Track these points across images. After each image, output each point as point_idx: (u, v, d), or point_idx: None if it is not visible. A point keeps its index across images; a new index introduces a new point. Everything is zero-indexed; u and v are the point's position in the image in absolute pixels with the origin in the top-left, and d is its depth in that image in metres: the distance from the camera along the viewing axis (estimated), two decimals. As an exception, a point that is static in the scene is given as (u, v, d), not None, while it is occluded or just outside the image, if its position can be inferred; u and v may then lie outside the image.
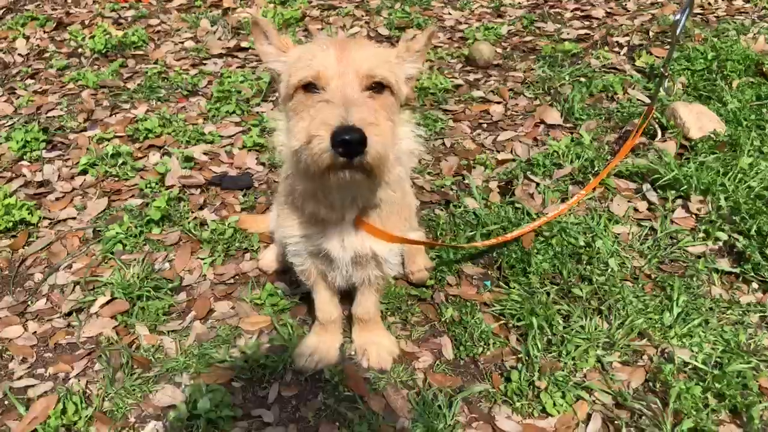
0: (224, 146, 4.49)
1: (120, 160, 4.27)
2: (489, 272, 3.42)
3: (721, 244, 3.44)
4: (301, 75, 2.00)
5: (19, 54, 5.92)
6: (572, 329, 3.00)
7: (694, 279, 3.25)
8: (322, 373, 2.93)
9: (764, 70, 4.94)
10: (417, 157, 2.37)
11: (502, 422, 2.69)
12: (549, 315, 3.04)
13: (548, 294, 3.19)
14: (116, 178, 4.19)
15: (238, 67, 5.53)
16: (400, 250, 2.67)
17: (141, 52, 5.85)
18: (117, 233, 3.65)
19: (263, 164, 4.32)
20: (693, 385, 2.69)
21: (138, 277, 3.39)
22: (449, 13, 6.46)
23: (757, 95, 4.63)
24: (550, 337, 2.99)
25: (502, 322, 3.12)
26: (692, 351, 2.90)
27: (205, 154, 4.40)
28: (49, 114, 4.94)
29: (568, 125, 4.55)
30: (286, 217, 2.60)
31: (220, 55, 5.75)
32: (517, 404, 2.73)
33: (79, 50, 5.93)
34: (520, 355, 2.95)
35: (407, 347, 3.06)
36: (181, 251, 3.60)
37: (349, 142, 1.80)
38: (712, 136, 4.11)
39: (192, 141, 4.49)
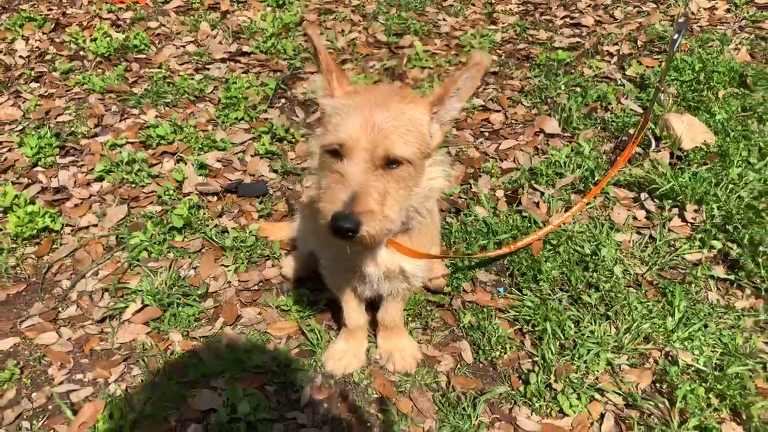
0: (236, 153, 4.62)
1: (135, 167, 4.38)
2: (502, 279, 3.63)
3: (716, 252, 3.69)
4: (329, 140, 2.14)
5: (19, 56, 5.95)
6: (583, 334, 3.22)
7: (693, 285, 3.49)
8: (351, 376, 3.11)
9: (747, 81, 5.21)
10: (446, 191, 2.55)
11: (523, 422, 2.90)
12: (561, 320, 3.26)
13: (560, 301, 3.40)
14: (133, 185, 4.30)
15: (242, 72, 5.65)
16: (426, 263, 2.86)
17: (143, 56, 5.93)
18: (141, 240, 3.77)
19: (276, 171, 4.46)
20: (697, 386, 2.93)
21: (166, 284, 3.53)
22: (444, 20, 6.63)
23: (743, 106, 4.89)
24: (563, 341, 3.21)
25: (516, 327, 3.33)
26: (694, 354, 3.14)
27: (218, 161, 4.53)
28: (59, 119, 5.01)
29: (566, 134, 4.77)
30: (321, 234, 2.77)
31: (223, 60, 5.86)
32: (536, 405, 2.95)
33: (81, 53, 5.99)
34: (536, 359, 3.16)
35: (429, 351, 3.25)
36: (205, 258, 3.74)
37: (341, 229, 2.02)
38: (703, 147, 4.36)
39: (204, 148, 4.62)
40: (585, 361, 3.10)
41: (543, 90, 5.26)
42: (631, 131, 4.61)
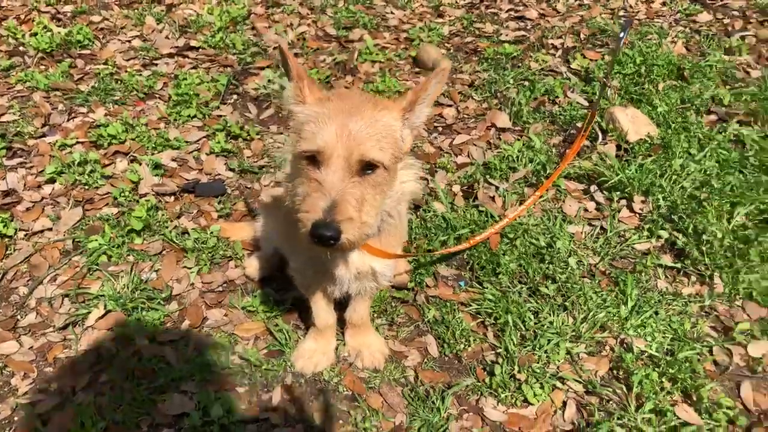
0: (191, 152, 4.59)
1: (88, 168, 4.30)
2: (463, 273, 3.73)
3: (663, 241, 3.88)
4: (306, 146, 2.18)
5: (-46, 51, 5.72)
6: (543, 325, 3.36)
7: (643, 274, 3.67)
8: (322, 374, 3.17)
9: (685, 74, 5.45)
10: (418, 194, 2.63)
11: (490, 412, 3.02)
12: (522, 312, 3.38)
13: (519, 293, 3.53)
14: (86, 187, 4.23)
15: (192, 68, 5.58)
16: (393, 262, 2.94)
17: (88, 52, 5.78)
18: (100, 244, 3.73)
19: (233, 170, 4.45)
20: (651, 371, 3.11)
21: (129, 288, 3.50)
22: (392, 12, 6.69)
23: (681, 98, 5.12)
24: (523, 332, 3.34)
25: (479, 320, 3.44)
26: (646, 340, 3.31)
27: (173, 160, 4.49)
28: (2, 119, 4.86)
29: (517, 128, 4.90)
30: (292, 237, 2.80)
31: (170, 55, 5.77)
32: (502, 395, 3.07)
33: (21, 48, 5.80)
34: (498, 350, 3.28)
35: (395, 347, 3.33)
36: (167, 260, 3.72)
37: (323, 237, 2.08)
38: (647, 139, 4.56)
39: (158, 147, 4.56)
40: (546, 351, 3.24)
41: (492, 84, 5.39)
42: (579, 124, 4.78)
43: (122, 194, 4.11)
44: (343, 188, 2.14)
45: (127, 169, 4.36)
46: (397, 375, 3.20)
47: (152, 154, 4.51)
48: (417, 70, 5.72)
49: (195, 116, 4.91)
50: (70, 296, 3.52)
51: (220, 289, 3.63)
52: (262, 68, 5.56)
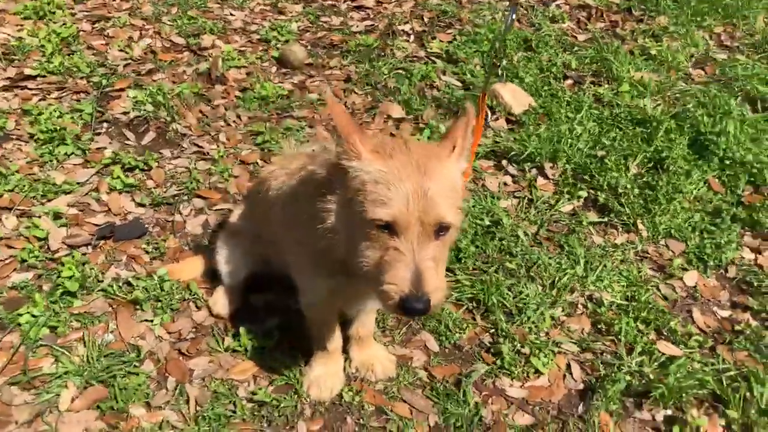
0: (87, 193, 4.11)
1: (-28, 234, 3.69)
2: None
3: (583, 200, 4.25)
4: (380, 215, 2.08)
5: None
6: (522, 299, 3.56)
7: (579, 233, 4.02)
8: (341, 398, 3.09)
9: (532, 45, 5.93)
10: None
11: (511, 391, 3.17)
12: (501, 291, 3.55)
13: (487, 273, 3.69)
14: (-22, 255, 3.63)
15: (40, 100, 4.94)
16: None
17: None
18: (34, 316, 3.25)
19: (143, 205, 4.07)
20: (627, 318, 3.45)
21: (92, 358, 3.11)
22: (232, 14, 6.42)
23: (539, 68, 5.58)
24: (506, 309, 3.51)
25: (463, 306, 3.55)
26: (607, 291, 3.65)
27: (70, 206, 3.99)
28: None
29: (410, 117, 5.02)
30: (311, 274, 2.70)
31: (5, 89, 5.05)
32: (515, 372, 3.23)
33: None
34: (491, 331, 3.43)
35: (397, 351, 3.34)
36: (120, 318, 3.35)
37: (414, 311, 2.08)
38: (530, 110, 4.94)
39: (47, 194, 4.02)
40: (533, 322, 3.44)
41: (368, 76, 5.44)
42: (468, 105, 5.01)
43: (31, 254, 3.59)
44: (424, 256, 2.10)
45: (19, 225, 3.80)
46: (410, 378, 3.21)
47: (42, 203, 3.97)
48: (284, 70, 5.60)
49: (73, 153, 4.39)
50: (19, 383, 3.04)
51: (192, 335, 3.35)
52: (122, 89, 5.09)
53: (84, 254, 3.68)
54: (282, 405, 3.03)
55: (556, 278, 3.68)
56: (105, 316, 3.37)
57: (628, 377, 3.18)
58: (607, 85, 5.45)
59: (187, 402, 3.01)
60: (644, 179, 4.31)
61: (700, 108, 4.90)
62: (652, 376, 3.17)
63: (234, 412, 2.98)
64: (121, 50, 5.61)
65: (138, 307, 3.41)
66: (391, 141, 2.31)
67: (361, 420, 3.01)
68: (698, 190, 4.33)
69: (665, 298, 3.70)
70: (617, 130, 4.78)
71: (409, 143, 2.27)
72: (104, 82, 5.14)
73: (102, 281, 3.52)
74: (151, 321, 3.35)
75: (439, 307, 2.21)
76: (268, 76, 5.45)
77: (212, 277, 3.58)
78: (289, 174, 2.90)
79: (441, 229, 2.14)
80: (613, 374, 3.19)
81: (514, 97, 5.01)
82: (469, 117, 2.30)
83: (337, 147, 2.28)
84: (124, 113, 4.86)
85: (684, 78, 5.67)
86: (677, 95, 5.27)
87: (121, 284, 3.52)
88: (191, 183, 4.22)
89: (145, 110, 4.83)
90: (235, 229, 3.41)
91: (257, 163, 4.48)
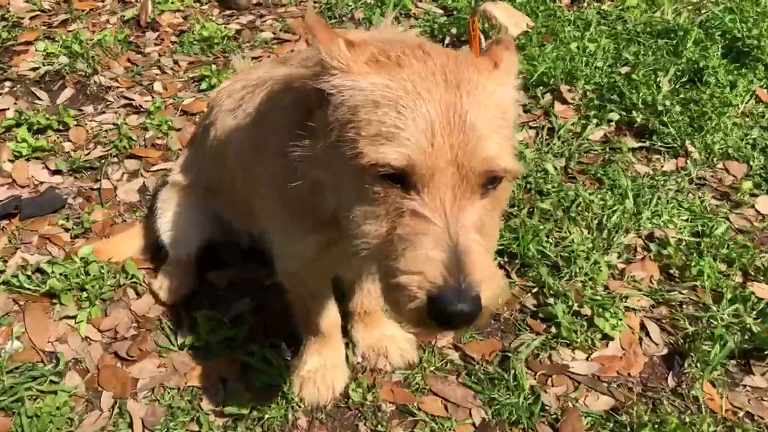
0: (-17, 163, 3.15)
1: None
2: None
3: (614, 124, 3.44)
4: (382, 157, 1.24)
5: None
6: (564, 246, 2.73)
7: (618, 163, 3.21)
8: (347, 398, 2.23)
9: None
10: None
11: (575, 366, 2.35)
12: (539, 238, 2.71)
13: (514, 216, 2.85)
14: None
15: (-77, 60, 3.94)
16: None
17: None
18: None
19: (60, 172, 3.14)
20: (706, 258, 2.65)
21: (-10, 377, 2.19)
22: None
23: (531, -12, 4.76)
24: (550, 261, 2.68)
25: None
26: (669, 228, 2.85)
27: (-39, 179, 3.04)
28: None
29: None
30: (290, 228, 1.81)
31: None
32: (577, 340, 2.40)
33: None
34: (534, 291, 2.59)
35: (413, 328, 2.47)
36: (30, 317, 2.43)
37: (460, 316, 1.22)
38: (529, 30, 4.12)
39: (-71, 167, 3.06)
40: (586, 274, 2.62)
41: (332, 9, 4.55)
42: (454, 30, 4.19)
43: None
44: (465, 224, 1.26)
45: None
46: (438, 363, 2.36)
47: None
48: (229, 12, 4.66)
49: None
50: None
51: (132, 332, 2.45)
52: (29, 43, 4.11)
53: (-21, 239, 2.74)
54: (266, 417, 2.15)
55: (603, 217, 2.86)
56: (8, 317, 2.44)
57: (724, 332, 2.37)
58: (610, 2, 4.65)
59: (131, 426, 2.11)
60: (681, 95, 3.52)
61: (727, 13, 4.13)
62: (756, 329, 2.37)
63: (199, 432, 2.09)
64: (26, 1, 4.60)
65: (55, 300, 2.49)
66: (398, 45, 1.41)
67: (380, 426, 2.15)
68: (745, 103, 3.56)
69: (740, 231, 2.91)
70: (636, 44, 3.98)
71: (426, 47, 1.40)
72: (4, 35, 4.15)
73: (3, 271, 2.59)
74: (74, 318, 2.45)
75: (494, 307, 1.34)
76: (209, 18, 4.50)
77: (156, 253, 2.68)
78: (248, 87, 2.02)
79: (490, 180, 1.30)
80: (704, 331, 2.38)
81: (509, 17, 4.18)
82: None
83: (314, 63, 1.44)
84: (33, 69, 3.89)
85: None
86: (694, 2, 4.49)
87: (30, 273, 2.58)
88: (121, 141, 3.29)
89: (59, 63, 3.87)
90: (180, 182, 2.50)
91: (204, 112, 3.56)
